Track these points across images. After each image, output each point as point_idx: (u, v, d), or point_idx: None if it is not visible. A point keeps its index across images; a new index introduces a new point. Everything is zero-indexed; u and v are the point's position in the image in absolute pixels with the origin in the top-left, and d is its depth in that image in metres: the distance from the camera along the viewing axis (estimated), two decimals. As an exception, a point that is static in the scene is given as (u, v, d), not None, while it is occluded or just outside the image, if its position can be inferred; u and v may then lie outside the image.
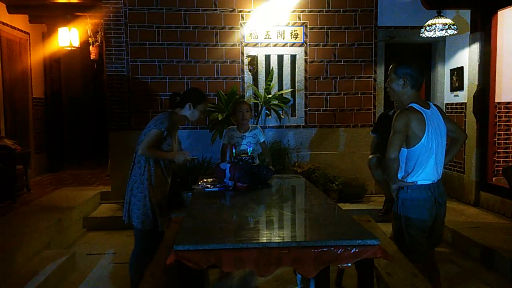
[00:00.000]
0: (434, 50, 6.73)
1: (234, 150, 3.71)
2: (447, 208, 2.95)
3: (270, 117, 6.42)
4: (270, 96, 6.10)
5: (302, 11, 6.32)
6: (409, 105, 2.73)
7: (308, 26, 6.34)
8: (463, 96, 6.15)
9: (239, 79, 6.34)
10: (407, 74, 2.72)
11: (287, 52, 6.38)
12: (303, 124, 6.46)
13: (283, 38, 6.33)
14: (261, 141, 4.18)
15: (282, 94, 6.24)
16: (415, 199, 2.74)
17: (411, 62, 2.80)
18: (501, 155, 5.87)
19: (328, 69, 6.43)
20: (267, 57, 6.39)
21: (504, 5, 5.39)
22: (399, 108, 3.86)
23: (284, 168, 6.08)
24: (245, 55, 6.31)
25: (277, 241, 2.13)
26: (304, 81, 6.40)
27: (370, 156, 4.65)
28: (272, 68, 6.31)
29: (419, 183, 2.72)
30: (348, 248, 2.09)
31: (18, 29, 7.25)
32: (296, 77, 6.43)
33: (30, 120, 7.65)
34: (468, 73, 5.97)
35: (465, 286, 3.80)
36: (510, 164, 5.71)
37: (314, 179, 5.89)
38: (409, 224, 2.77)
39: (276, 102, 6.10)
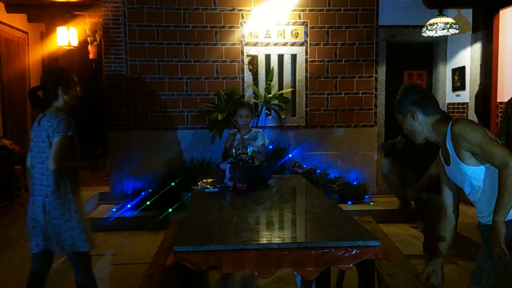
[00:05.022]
0: (436, 50, 6.70)
1: (233, 150, 3.68)
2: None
3: (270, 117, 6.38)
4: (270, 95, 6.07)
5: (302, 10, 6.28)
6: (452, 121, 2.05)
7: (308, 25, 6.30)
8: (465, 96, 6.12)
9: (239, 79, 6.30)
10: (411, 104, 2.11)
11: (287, 51, 6.35)
12: (304, 124, 6.42)
13: (284, 37, 6.29)
14: (261, 143, 4.12)
15: (282, 93, 6.21)
16: None
17: (404, 89, 2.18)
18: (503, 155, 5.82)
19: (329, 68, 6.39)
20: (267, 57, 6.35)
21: (506, 4, 5.35)
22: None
23: (285, 169, 6.05)
24: (245, 54, 6.27)
25: (277, 242, 2.10)
26: (304, 80, 6.37)
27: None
28: (273, 68, 6.28)
29: None
30: (349, 249, 2.07)
31: (17, 29, 7.23)
32: (297, 77, 6.39)
33: (28, 120, 7.61)
34: (470, 72, 5.94)
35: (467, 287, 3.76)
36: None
37: (314, 179, 5.86)
38: None
39: (276, 101, 6.07)
